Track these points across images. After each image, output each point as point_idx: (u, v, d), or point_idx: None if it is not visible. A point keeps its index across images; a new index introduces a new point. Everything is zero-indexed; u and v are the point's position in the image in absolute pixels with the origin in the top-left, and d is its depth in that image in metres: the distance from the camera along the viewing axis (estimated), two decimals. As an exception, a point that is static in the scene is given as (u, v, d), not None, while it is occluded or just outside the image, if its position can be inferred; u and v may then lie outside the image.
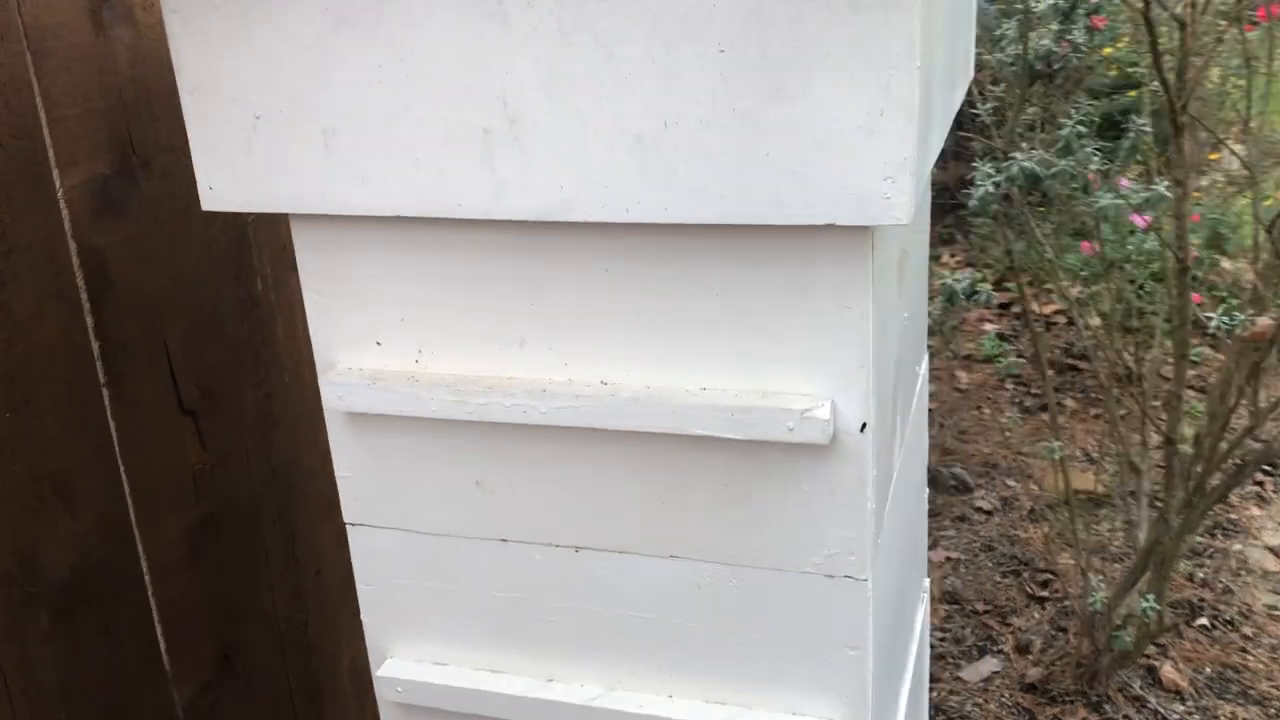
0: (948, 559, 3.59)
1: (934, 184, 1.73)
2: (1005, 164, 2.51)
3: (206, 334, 1.40)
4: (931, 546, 3.66)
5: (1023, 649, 3.16)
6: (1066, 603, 3.22)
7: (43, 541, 1.19)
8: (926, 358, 1.42)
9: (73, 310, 1.22)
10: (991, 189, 2.61)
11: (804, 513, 1.01)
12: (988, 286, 2.78)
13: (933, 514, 3.79)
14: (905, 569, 1.30)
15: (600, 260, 0.99)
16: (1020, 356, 4.50)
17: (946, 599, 3.38)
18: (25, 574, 1.17)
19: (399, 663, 1.21)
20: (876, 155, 0.85)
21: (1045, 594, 3.39)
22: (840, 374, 0.96)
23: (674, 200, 0.90)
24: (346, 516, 1.17)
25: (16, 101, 1.14)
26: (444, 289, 1.04)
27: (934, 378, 4.50)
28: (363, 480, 1.14)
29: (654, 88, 0.88)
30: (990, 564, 3.57)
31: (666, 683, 1.12)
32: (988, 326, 4.78)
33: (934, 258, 5.62)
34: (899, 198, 0.85)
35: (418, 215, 0.98)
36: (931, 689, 2.97)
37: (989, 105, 2.77)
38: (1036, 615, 3.32)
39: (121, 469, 1.30)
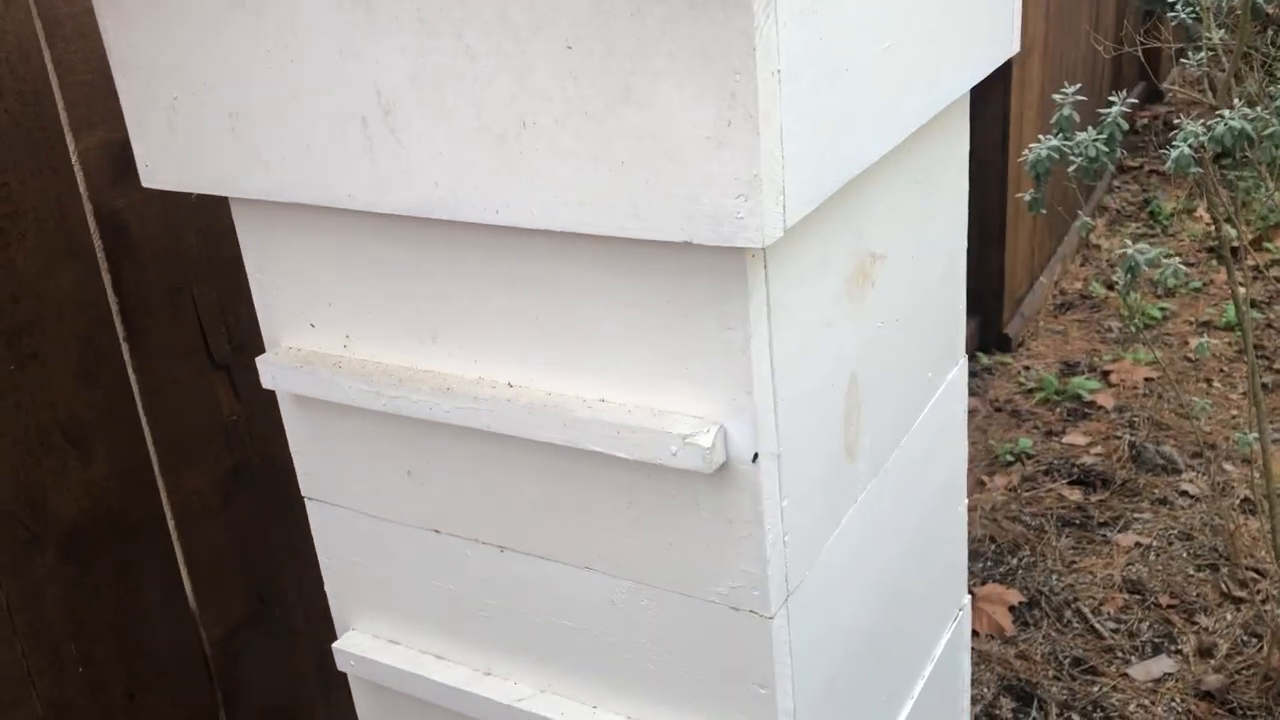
0: (1137, 544, 3.32)
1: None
2: (1213, 122, 2.24)
3: (239, 289, 1.44)
4: (1121, 529, 3.39)
5: (1205, 652, 2.89)
6: (1268, 608, 2.93)
7: (51, 486, 1.26)
8: (962, 362, 1.29)
9: (88, 268, 1.28)
10: (1189, 151, 2.34)
11: (704, 540, 0.94)
12: (1176, 260, 2.51)
13: (1130, 493, 3.51)
14: (898, 596, 1.20)
15: (497, 260, 0.94)
16: (1272, 327, 4.07)
17: (1127, 587, 3.13)
18: (31, 515, 1.24)
19: (357, 636, 1.22)
20: (726, 169, 0.75)
21: (1243, 595, 3.08)
22: (728, 399, 0.87)
23: (539, 205, 0.84)
24: (303, 490, 1.18)
25: (24, 68, 1.19)
26: (363, 277, 1.02)
27: (1163, 344, 4.14)
28: (312, 456, 1.15)
29: (509, 84, 0.81)
30: (1185, 554, 3.28)
31: (592, 693, 1.08)
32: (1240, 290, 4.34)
33: (1188, 210, 5.15)
34: (753, 219, 0.76)
35: (314, 204, 0.95)
36: (1093, 684, 2.77)
37: (1201, 55, 2.47)
38: (1229, 617, 3.03)
39: (143, 419, 1.36)
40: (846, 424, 1.02)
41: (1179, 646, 2.97)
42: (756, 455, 0.88)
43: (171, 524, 1.41)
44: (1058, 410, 4.02)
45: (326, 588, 1.22)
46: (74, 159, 1.26)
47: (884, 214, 1.03)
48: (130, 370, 1.34)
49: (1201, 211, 5.04)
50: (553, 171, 0.82)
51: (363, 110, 0.89)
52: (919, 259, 1.12)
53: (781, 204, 0.77)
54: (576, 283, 0.90)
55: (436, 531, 1.10)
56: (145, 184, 1.05)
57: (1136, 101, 2.61)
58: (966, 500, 1.36)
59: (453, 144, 0.85)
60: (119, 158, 1.29)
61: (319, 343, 1.07)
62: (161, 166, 1.02)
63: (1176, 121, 2.25)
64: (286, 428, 1.14)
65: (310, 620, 1.59)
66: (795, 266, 0.88)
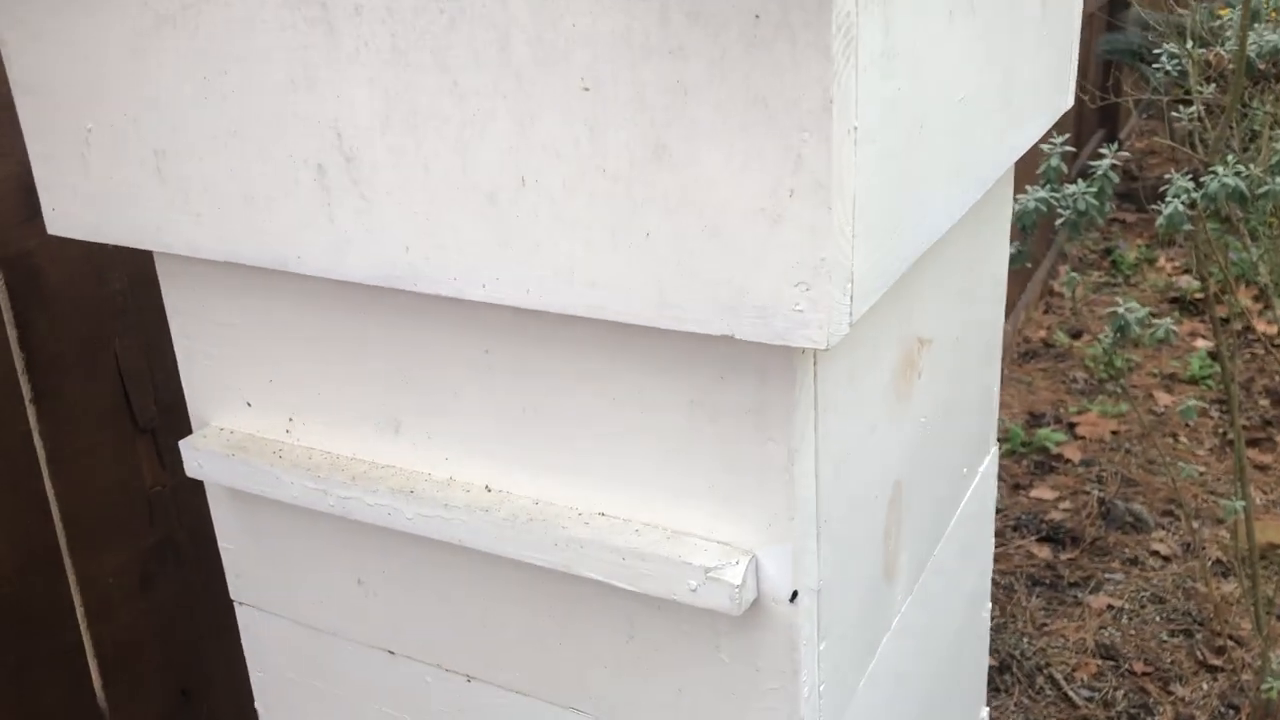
0: (1109, 606, 3.21)
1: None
2: (1206, 178, 2.13)
3: (169, 344, 1.25)
4: (1093, 590, 3.27)
5: (1182, 724, 2.77)
6: (1245, 678, 2.81)
7: (-66, 575, 1.07)
8: (994, 451, 1.14)
9: (-12, 319, 1.09)
10: (1182, 207, 2.23)
11: (723, 690, 0.77)
12: (1168, 322, 2.40)
13: (1100, 552, 3.40)
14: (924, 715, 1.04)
15: (478, 339, 0.77)
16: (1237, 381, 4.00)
17: (1100, 652, 3.01)
18: (-92, 611, 1.05)
19: (292, 763, 1.03)
20: (784, 251, 0.59)
21: (1219, 663, 2.97)
22: (764, 523, 0.71)
23: (537, 281, 0.67)
24: (232, 593, 1.00)
25: (-84, 86, 1.01)
26: (313, 351, 0.84)
27: (1130, 395, 4.05)
28: (245, 557, 0.96)
29: (507, 132, 0.65)
30: (1159, 618, 3.17)
31: None
32: (1200, 342, 4.27)
33: (1149, 260, 5.09)
34: (815, 313, 0.60)
35: (256, 265, 0.78)
36: (1070, 757, 2.64)
37: (1193, 109, 2.37)
38: (1205, 687, 2.91)
39: (50, 493, 1.17)
40: (887, 541, 0.86)
41: (1155, 718, 2.85)
42: (796, 594, 0.72)
43: (80, 611, 1.22)
44: (1024, 462, 3.91)
45: (257, 704, 1.04)
46: (-25, 192, 1.07)
47: (932, 291, 0.88)
48: (36, 436, 1.15)
49: (1163, 262, 5.00)
50: (557, 242, 0.65)
51: (319, 155, 0.71)
52: (963, 340, 0.97)
53: (849, 294, 0.61)
54: (575, 374, 0.74)
55: (391, 653, 0.92)
56: (50, 230, 0.87)
57: (1128, 155, 2.51)
58: (990, 604, 1.21)
59: (431, 202, 0.69)
60: (33, 191, 1.10)
61: (257, 425, 0.89)
62: (70, 211, 0.84)
63: (1135, 180, 2.14)
64: (214, 522, 0.96)
65: (242, 716, 1.40)
66: (847, 362, 0.72)
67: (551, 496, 0.78)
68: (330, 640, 0.95)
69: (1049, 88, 0.93)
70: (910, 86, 0.64)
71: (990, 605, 1.20)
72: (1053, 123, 0.97)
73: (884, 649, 0.89)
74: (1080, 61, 4.41)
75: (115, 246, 1.14)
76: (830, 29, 0.54)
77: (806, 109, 0.56)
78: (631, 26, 0.59)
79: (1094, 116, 5.41)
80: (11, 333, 1.11)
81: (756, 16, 0.55)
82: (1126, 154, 2.61)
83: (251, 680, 1.02)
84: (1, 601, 1.14)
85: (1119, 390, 3.54)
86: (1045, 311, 4.91)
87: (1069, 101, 0.99)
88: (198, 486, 1.26)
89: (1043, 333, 4.84)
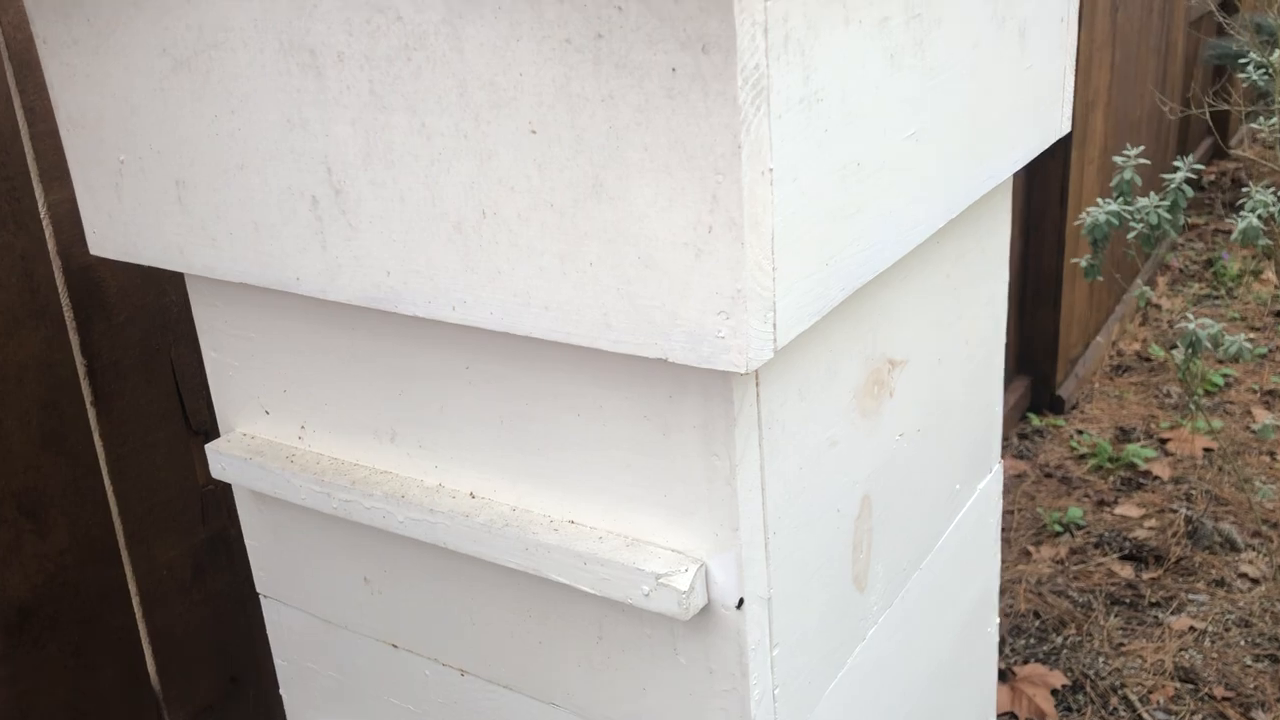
0: (1191, 628, 3.15)
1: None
2: (1284, 191, 2.11)
3: (222, 353, 1.34)
4: (1175, 611, 3.21)
5: (1261, 754, 2.71)
6: (1327, 708, 2.74)
7: (1, 560, 1.17)
8: (997, 469, 1.16)
9: (54, 328, 1.19)
10: (1257, 221, 2.21)
11: (682, 689, 0.82)
12: (1241, 338, 2.36)
13: (1185, 572, 3.33)
14: (914, 730, 1.07)
15: (459, 358, 0.83)
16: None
17: (1179, 675, 2.95)
18: (-23, 594, 1.15)
19: (313, 747, 1.11)
20: (706, 281, 0.64)
21: (1304, 691, 2.89)
22: (711, 533, 0.75)
23: (499, 304, 0.73)
24: (258, 586, 1.08)
25: (-10, 115, 1.11)
26: (319, 365, 0.91)
27: (1224, 412, 3.96)
28: (268, 553, 1.04)
29: (469, 169, 0.71)
30: (1244, 642, 3.10)
31: (559, 837, 0.96)
32: (1303, 356, 4.15)
33: (1254, 272, 4.95)
34: (735, 339, 0.64)
35: (262, 285, 0.85)
36: (1138, 779, 2.61)
37: (1274, 120, 2.33)
38: (1288, 714, 2.84)
39: (109, 489, 1.27)
40: (856, 553, 0.89)
41: (1234, 744, 2.79)
42: (742, 601, 0.76)
43: (136, 600, 1.32)
44: (1110, 479, 3.85)
45: (282, 690, 1.11)
46: (42, 212, 1.17)
47: (907, 313, 0.91)
48: (96, 437, 1.25)
49: (1269, 274, 4.86)
50: (515, 269, 0.71)
51: (313, 188, 0.78)
52: (946, 361, 1.00)
53: (771, 322, 0.65)
54: (545, 389, 0.79)
55: (394, 646, 0.99)
56: (92, 251, 0.95)
57: (1201, 167, 2.47)
58: (998, 619, 1.23)
59: (407, 230, 0.75)
60: (91, 211, 1.20)
61: (274, 432, 0.97)
62: (108, 234, 0.93)
63: (1245, 188, 2.11)
64: (241, 520, 1.04)
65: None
66: (795, 381, 0.77)
67: (528, 504, 0.84)
68: (342, 633, 1.02)
69: (1034, 114, 0.95)
70: (842, 128, 0.69)
71: (998, 621, 1.23)
72: (1043, 147, 1.00)
73: (858, 658, 0.93)
74: (1186, 67, 4.28)
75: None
76: (736, 81, 0.59)
77: (719, 153, 0.61)
78: (570, 75, 0.64)
79: (1200, 124, 5.28)
80: (74, 339, 1.21)
81: (673, 70, 0.60)
82: (1201, 166, 2.57)
83: (276, 668, 1.10)
84: (64, 588, 1.23)
85: (1195, 405, 3.47)
86: (1141, 324, 4.81)
87: (1060, 130, 1.01)
88: (245, 486, 1.35)
89: (1137, 346, 4.74)
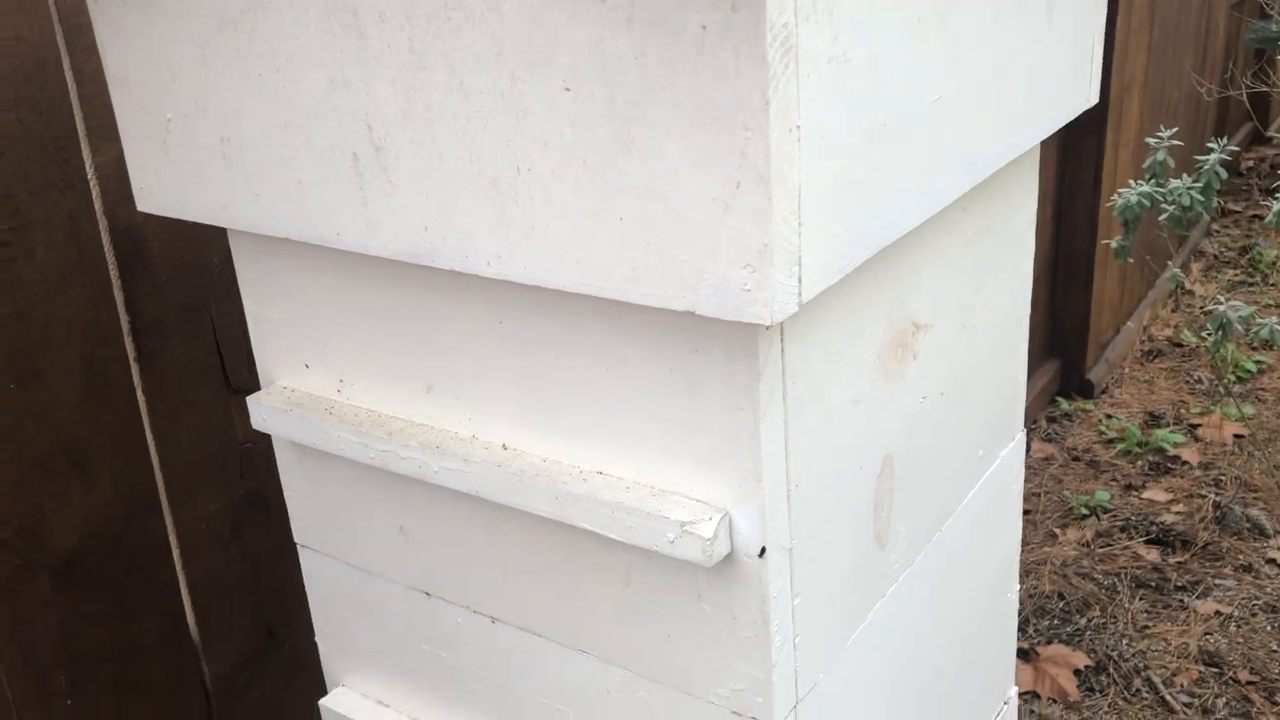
0: (1217, 612, 3.15)
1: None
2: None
3: (261, 314, 1.38)
4: (1201, 595, 3.21)
5: (1287, 737, 2.71)
6: (1353, 693, 2.74)
7: (50, 510, 1.21)
8: (1020, 437, 1.17)
9: (99, 286, 1.22)
10: (1290, 205, 2.21)
11: (707, 635, 0.84)
12: (1273, 321, 2.36)
13: (1212, 557, 3.33)
14: (932, 691, 1.09)
15: (493, 313, 0.85)
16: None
17: (1204, 658, 2.96)
18: (24, 541, 1.19)
19: (345, 694, 1.14)
20: (733, 236, 0.66)
21: (1330, 677, 2.89)
22: (736, 483, 0.78)
23: (534, 259, 0.75)
24: (295, 536, 1.11)
25: (40, 77, 1.14)
26: (358, 320, 0.94)
27: (1257, 399, 3.94)
28: (306, 503, 1.07)
29: (505, 126, 0.73)
30: (1270, 627, 3.10)
31: (584, 782, 0.99)
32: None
33: (1292, 254, 4.90)
34: (761, 292, 0.66)
35: (304, 241, 0.88)
36: (1160, 761, 2.62)
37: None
38: (1313, 699, 2.84)
39: (151, 444, 1.30)
40: (877, 510, 0.91)
41: (1257, 728, 2.79)
42: (764, 550, 0.79)
43: (176, 553, 1.36)
44: (1139, 463, 3.84)
45: (317, 639, 1.15)
46: (90, 173, 1.20)
47: (931, 279, 0.93)
48: (140, 393, 1.29)
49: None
50: (548, 224, 0.74)
51: (354, 145, 0.81)
52: (971, 327, 1.01)
53: (796, 276, 0.67)
54: (576, 344, 0.82)
55: (427, 594, 1.02)
56: (140, 207, 0.98)
57: (1238, 148, 2.46)
58: (1018, 586, 1.24)
59: (445, 187, 0.78)
60: (137, 172, 1.23)
61: (313, 385, 1.00)
62: (156, 190, 0.96)
63: None
64: (280, 471, 1.08)
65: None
66: (819, 338, 0.79)
67: (558, 455, 0.87)
68: (377, 581, 1.05)
69: (1061, 85, 0.97)
70: (868, 90, 0.70)
71: (1018, 588, 1.24)
72: (1070, 118, 1.01)
73: (877, 615, 0.95)
74: (1227, 49, 4.23)
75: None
76: (765, 39, 0.61)
77: (749, 110, 0.63)
78: (603, 34, 0.67)
79: (1239, 109, 5.22)
80: (119, 296, 1.25)
81: (704, 27, 0.62)
82: (1238, 149, 2.55)
83: (312, 617, 1.13)
84: (108, 540, 1.27)
85: (1225, 389, 3.45)
86: (1174, 310, 4.79)
87: (1089, 100, 1.03)
88: (283, 443, 1.39)
89: (1169, 331, 4.72)
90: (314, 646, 1.47)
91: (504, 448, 0.89)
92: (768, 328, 0.73)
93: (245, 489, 1.41)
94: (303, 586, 1.45)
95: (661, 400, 0.79)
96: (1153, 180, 2.51)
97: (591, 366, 0.82)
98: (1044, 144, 1.02)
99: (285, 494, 1.08)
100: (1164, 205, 2.49)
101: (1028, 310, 1.12)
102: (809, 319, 0.77)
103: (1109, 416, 4.06)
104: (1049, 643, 3.00)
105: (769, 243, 0.65)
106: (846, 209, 0.71)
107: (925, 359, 0.94)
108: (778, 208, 0.64)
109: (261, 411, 1.01)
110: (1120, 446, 3.93)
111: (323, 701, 1.14)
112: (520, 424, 0.88)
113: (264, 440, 1.41)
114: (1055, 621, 3.11)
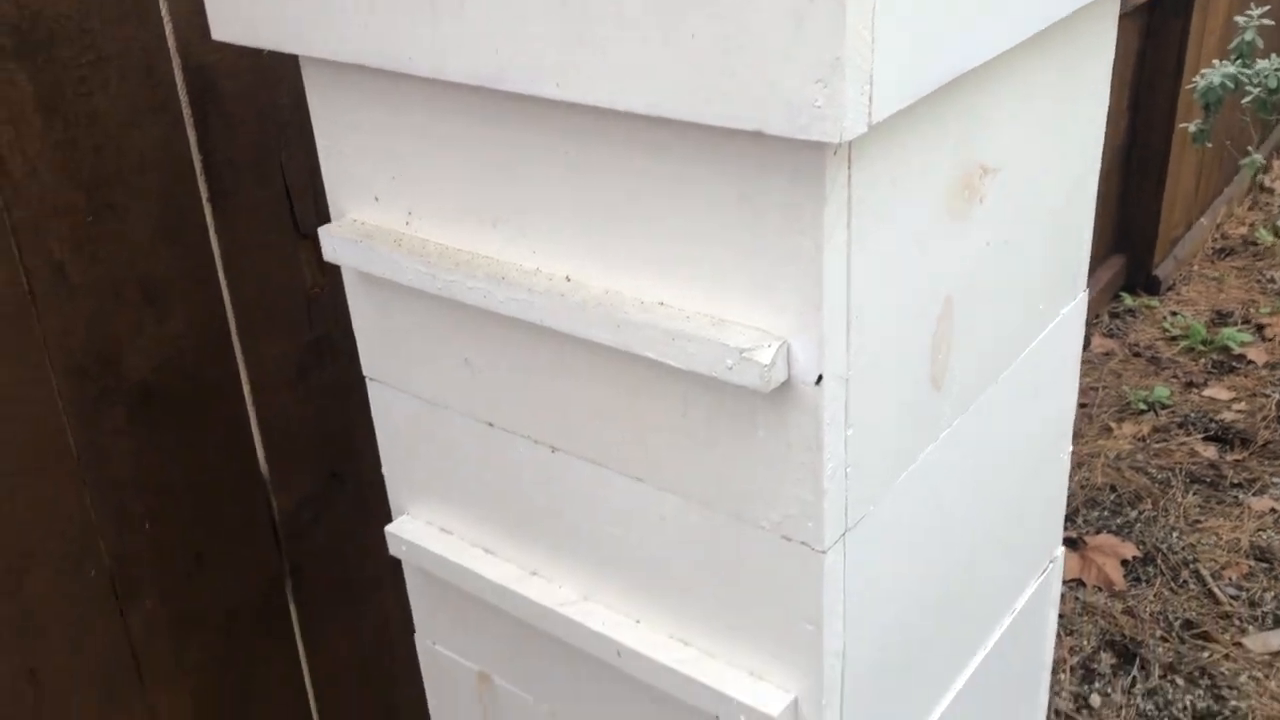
0: (1272, 510, 3.14)
1: None
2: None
3: (329, 159, 1.39)
4: (1256, 492, 3.20)
5: (1334, 632, 2.72)
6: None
7: (125, 341, 1.25)
8: (1082, 297, 1.17)
9: (173, 123, 1.25)
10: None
11: (761, 461, 0.86)
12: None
13: (1271, 456, 3.31)
14: (980, 542, 1.11)
15: (559, 143, 0.86)
16: None
17: (1255, 554, 2.96)
18: (102, 369, 1.24)
19: (410, 522, 1.19)
20: (806, 51, 0.66)
21: (1379, 575, 2.88)
22: (795, 311, 0.79)
23: (603, 80, 0.76)
24: (364, 370, 1.14)
25: (115, -91, 1.15)
26: (427, 151, 0.96)
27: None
28: (374, 335, 1.10)
29: (578, -60, 0.73)
30: (1325, 524, 3.08)
31: (636, 606, 1.02)
32: None
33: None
34: (831, 109, 0.66)
35: (377, 66, 0.89)
36: (1203, 650, 2.64)
37: None
38: (1365, 596, 2.84)
39: (223, 282, 1.34)
40: (935, 351, 0.92)
41: (1305, 621, 2.80)
42: (821, 377, 0.80)
43: (247, 389, 1.40)
44: (1202, 361, 3.79)
45: (384, 469, 1.19)
46: (163, 9, 1.22)
47: (1003, 122, 0.92)
48: (212, 232, 1.32)
49: None
50: (619, 43, 0.74)
51: (427, -36, 0.81)
52: (1041, 177, 1.01)
53: (867, 94, 0.67)
54: (644, 172, 0.82)
55: (490, 425, 1.05)
56: (215, 36, 1.00)
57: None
58: (1071, 447, 1.25)
59: (516, 5, 0.78)
60: (210, 10, 1.25)
61: (382, 217, 1.02)
62: (229, 17, 0.97)
63: None
64: (349, 304, 1.10)
65: (383, 499, 1.57)
66: (886, 170, 0.79)
67: (620, 286, 0.88)
68: (442, 413, 1.08)
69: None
70: (948, -95, 0.69)
71: (1070, 449, 1.25)
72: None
73: (929, 455, 0.96)
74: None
75: (279, 65, 1.28)
76: None
77: (825, -84, 0.62)
78: None
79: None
80: (191, 135, 1.27)
81: None
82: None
83: (379, 447, 1.17)
84: (181, 373, 1.32)
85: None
86: (1251, 207, 4.67)
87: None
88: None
89: (1243, 229, 4.61)
90: (376, 488, 1.52)
91: (567, 279, 0.91)
92: (835, 152, 0.73)
93: (313, 334, 1.45)
94: (365, 431, 1.49)
95: (725, 228, 0.80)
96: (1239, 61, 2.43)
97: (655, 195, 0.83)
98: (1125, 26, 1.00)
99: (354, 327, 1.11)
100: (1249, 88, 2.42)
101: (1098, 164, 1.11)
102: (877, 147, 0.77)
103: (1174, 314, 4.00)
104: (1098, 533, 3.01)
105: (841, 57, 0.65)
106: (921, 29, 0.70)
107: (991, 203, 0.94)
108: (852, 21, 0.64)
109: (332, 242, 1.03)
110: (1184, 344, 3.88)
111: (388, 528, 1.18)
112: (584, 257, 0.89)
113: (330, 286, 1.45)
114: (1105, 513, 3.12)
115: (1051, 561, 1.30)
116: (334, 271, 1.43)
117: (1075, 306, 1.16)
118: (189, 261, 1.30)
